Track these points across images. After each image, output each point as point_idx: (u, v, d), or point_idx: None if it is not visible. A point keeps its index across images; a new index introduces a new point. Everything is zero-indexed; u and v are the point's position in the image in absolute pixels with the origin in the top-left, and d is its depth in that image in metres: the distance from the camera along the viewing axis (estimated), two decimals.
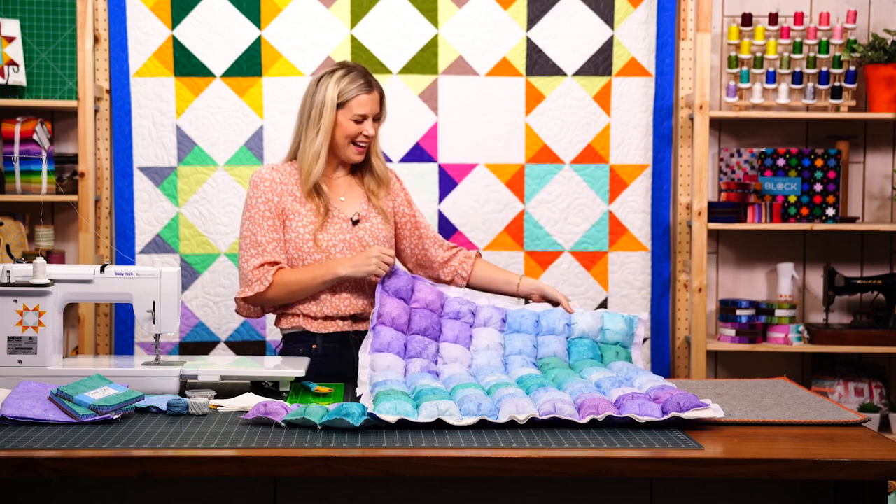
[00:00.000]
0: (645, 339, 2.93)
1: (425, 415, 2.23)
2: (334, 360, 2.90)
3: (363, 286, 2.94)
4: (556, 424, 2.25)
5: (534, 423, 2.25)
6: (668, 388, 2.36)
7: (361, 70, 2.97)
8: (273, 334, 4.00)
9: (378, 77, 3.87)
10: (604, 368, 2.66)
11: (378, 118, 2.98)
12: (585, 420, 2.23)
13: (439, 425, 2.23)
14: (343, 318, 2.93)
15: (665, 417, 2.23)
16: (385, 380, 2.52)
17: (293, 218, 2.92)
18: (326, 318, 2.93)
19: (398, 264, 2.90)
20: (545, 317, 2.86)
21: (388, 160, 3.91)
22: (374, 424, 2.21)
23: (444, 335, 2.81)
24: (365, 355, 2.70)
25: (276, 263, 2.87)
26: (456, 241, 3.97)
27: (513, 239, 4.06)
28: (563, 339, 2.82)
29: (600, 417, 2.23)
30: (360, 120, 2.93)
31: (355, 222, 2.96)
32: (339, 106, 2.92)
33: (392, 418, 2.20)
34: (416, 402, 2.32)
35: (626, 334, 2.83)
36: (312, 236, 2.89)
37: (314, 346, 2.92)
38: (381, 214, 3.00)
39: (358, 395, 2.52)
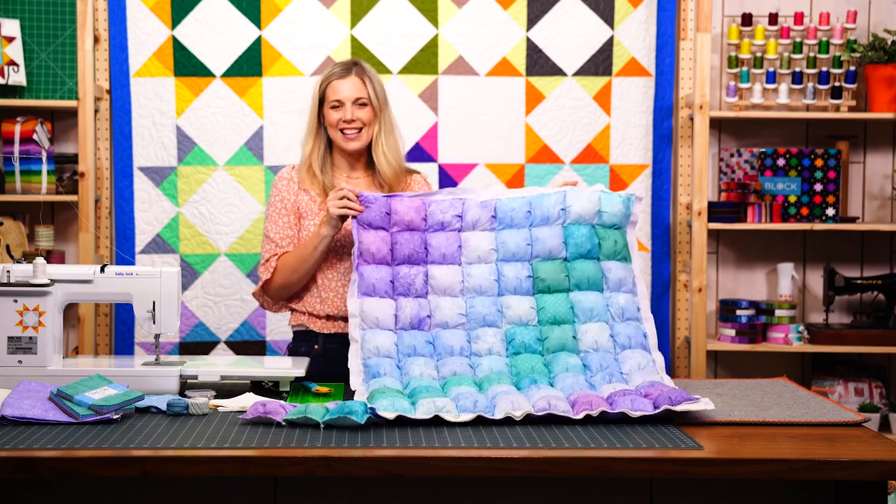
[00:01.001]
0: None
1: (423, 412, 2.25)
2: (335, 361, 2.89)
3: None
4: (554, 422, 2.26)
5: (531, 420, 2.26)
6: (659, 385, 2.39)
7: (348, 62, 3.00)
8: (273, 334, 4.00)
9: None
10: (603, 319, 2.64)
11: (365, 104, 2.95)
12: (580, 416, 2.25)
13: (438, 424, 2.23)
14: (345, 319, 2.93)
15: (657, 411, 2.25)
16: (377, 364, 2.54)
17: (307, 216, 2.95)
18: (329, 317, 2.93)
19: (367, 194, 2.77)
20: (538, 204, 2.75)
21: None
22: (376, 421, 2.23)
23: (432, 256, 2.72)
24: (353, 301, 2.65)
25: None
26: None
27: None
28: (559, 229, 2.72)
29: (594, 413, 2.25)
30: (337, 105, 2.94)
31: None
32: (322, 101, 2.96)
33: (391, 415, 2.22)
34: (411, 399, 2.33)
35: (623, 215, 2.75)
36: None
37: (316, 346, 2.93)
38: None
39: (352, 388, 2.52)
